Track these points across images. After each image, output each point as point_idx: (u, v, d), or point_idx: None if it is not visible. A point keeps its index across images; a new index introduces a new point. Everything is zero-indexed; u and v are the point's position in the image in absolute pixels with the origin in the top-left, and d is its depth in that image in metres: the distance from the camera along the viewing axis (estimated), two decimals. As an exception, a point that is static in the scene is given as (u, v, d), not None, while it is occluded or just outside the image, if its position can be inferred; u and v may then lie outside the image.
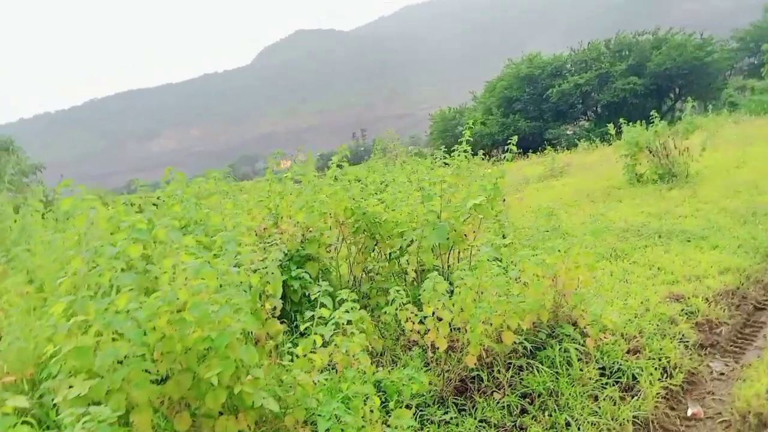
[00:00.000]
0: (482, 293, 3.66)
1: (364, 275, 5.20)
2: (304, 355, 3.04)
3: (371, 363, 4.11)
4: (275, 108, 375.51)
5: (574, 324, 4.18)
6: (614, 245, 6.76)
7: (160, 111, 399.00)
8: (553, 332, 4.13)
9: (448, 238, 4.76)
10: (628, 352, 4.11)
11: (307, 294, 4.38)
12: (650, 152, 11.70)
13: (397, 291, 3.74)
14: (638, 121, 12.62)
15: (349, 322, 3.32)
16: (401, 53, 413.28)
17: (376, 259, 5.30)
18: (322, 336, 3.15)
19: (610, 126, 14.49)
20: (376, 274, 5.23)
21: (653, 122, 12.48)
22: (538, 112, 62.10)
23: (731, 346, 4.55)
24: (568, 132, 59.59)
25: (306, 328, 3.38)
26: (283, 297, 4.41)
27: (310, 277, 4.46)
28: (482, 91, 72.21)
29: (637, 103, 57.63)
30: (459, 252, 5.46)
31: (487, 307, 3.48)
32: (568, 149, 34.15)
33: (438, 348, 3.49)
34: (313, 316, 3.21)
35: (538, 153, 35.54)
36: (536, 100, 63.05)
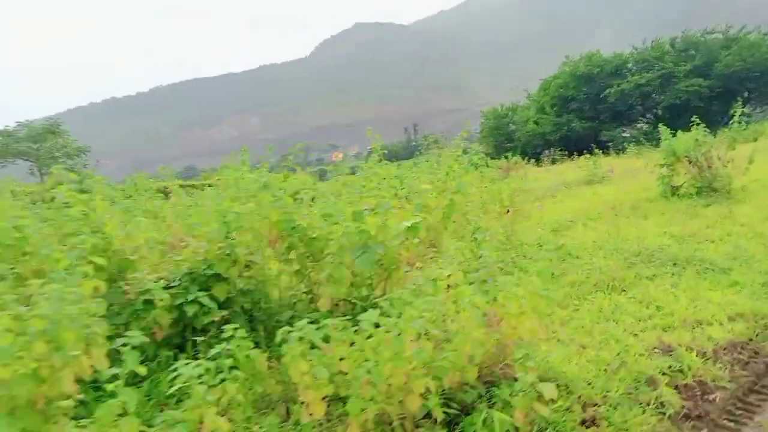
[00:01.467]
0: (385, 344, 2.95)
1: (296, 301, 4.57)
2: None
3: (261, 412, 3.49)
4: (332, 100, 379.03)
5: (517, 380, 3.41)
6: (616, 273, 5.85)
7: (222, 99, 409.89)
8: (489, 391, 3.37)
9: (382, 264, 4.02)
10: (582, 423, 3.31)
11: (214, 321, 3.79)
12: (689, 162, 10.50)
13: (289, 331, 3.07)
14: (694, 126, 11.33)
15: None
16: (459, 48, 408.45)
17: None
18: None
19: (663, 128, 13.18)
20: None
21: (731, 124, 11.24)
22: (594, 113, 59.64)
23: (725, 418, 3.65)
24: (625, 134, 56.86)
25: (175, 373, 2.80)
26: (180, 323, 3.85)
27: (216, 300, 3.86)
28: (536, 89, 70.06)
29: (701, 107, 54.27)
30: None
31: (377, 369, 2.76)
32: (617, 153, 32.40)
33: (312, 414, 2.80)
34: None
35: (594, 155, 33.98)
36: (593, 100, 60.55)
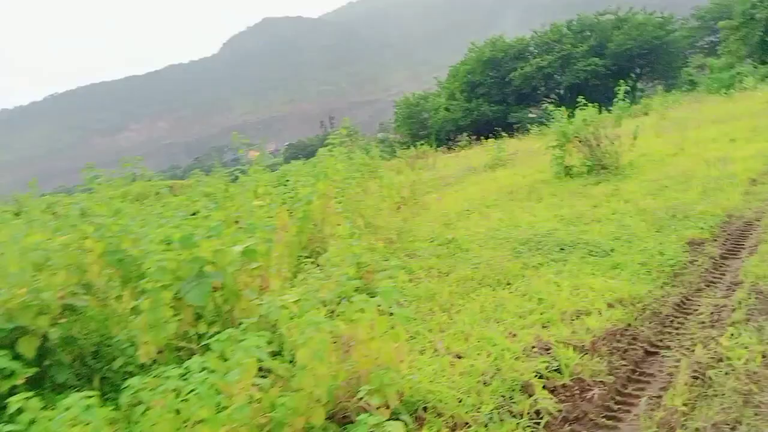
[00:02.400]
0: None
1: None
2: None
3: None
4: (244, 98, 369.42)
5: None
6: (503, 265, 5.65)
7: (126, 104, 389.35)
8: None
9: (222, 295, 3.49)
10: (450, 446, 2.98)
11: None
12: (580, 142, 10.66)
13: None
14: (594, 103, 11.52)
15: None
16: (370, 39, 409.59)
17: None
18: None
19: (561, 110, 13.32)
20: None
21: (615, 102, 11.45)
22: (501, 96, 61.30)
23: (604, 417, 3.45)
24: (531, 115, 58.85)
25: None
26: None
27: (21, 358, 3.22)
28: (446, 76, 71.21)
29: (599, 85, 57.10)
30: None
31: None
32: (522, 135, 33.30)
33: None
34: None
35: (499, 138, 34.66)
36: (499, 84, 62.20)
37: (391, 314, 3.06)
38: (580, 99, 11.36)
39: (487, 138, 33.91)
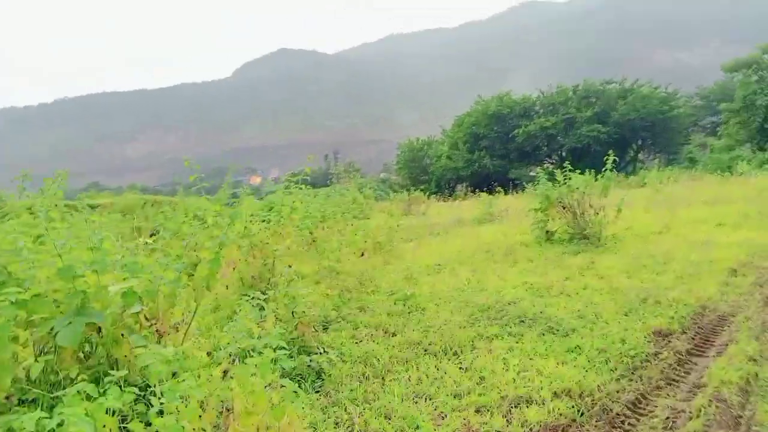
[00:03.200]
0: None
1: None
2: None
3: None
4: (253, 123, 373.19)
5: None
6: (455, 332, 5.24)
7: (136, 116, 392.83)
8: None
9: (101, 338, 3.05)
10: None
11: None
12: (563, 208, 10.37)
13: None
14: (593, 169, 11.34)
15: None
16: (383, 79, 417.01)
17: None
18: None
19: (558, 172, 13.07)
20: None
21: (606, 168, 11.27)
22: (504, 151, 61.84)
23: None
24: (532, 173, 59.21)
25: None
26: None
27: None
28: (451, 125, 72.03)
29: (600, 151, 57.53)
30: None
31: None
32: (517, 192, 33.22)
33: None
34: None
35: (494, 193, 34.56)
36: (503, 139, 62.85)
37: (282, 386, 2.65)
38: (570, 164, 11.17)
39: (483, 191, 33.91)
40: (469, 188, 47.36)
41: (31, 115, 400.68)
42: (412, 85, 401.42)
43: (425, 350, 4.88)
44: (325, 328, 5.48)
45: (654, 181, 21.46)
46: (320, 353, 4.51)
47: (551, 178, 10.71)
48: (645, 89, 57.48)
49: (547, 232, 10.64)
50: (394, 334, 5.26)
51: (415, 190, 31.84)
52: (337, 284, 7.12)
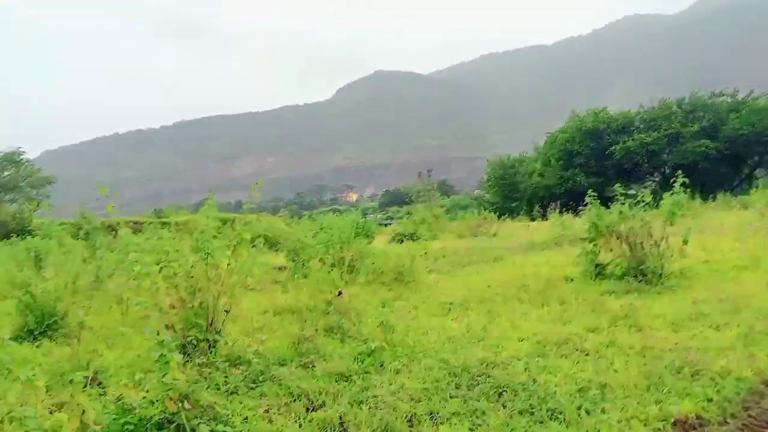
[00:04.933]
0: None
1: None
2: None
3: None
4: (349, 143, 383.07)
5: None
6: (409, 405, 4.06)
7: (242, 137, 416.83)
8: None
9: None
10: None
11: None
12: (617, 238, 8.71)
13: None
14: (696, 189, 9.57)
15: None
16: (477, 98, 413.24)
17: None
18: None
19: (646, 192, 11.18)
20: None
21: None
22: (600, 168, 58.29)
23: None
24: (631, 191, 55.08)
25: None
26: None
27: None
28: (544, 142, 69.43)
29: (710, 168, 52.72)
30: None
31: None
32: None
33: None
34: None
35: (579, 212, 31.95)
36: (599, 156, 59.35)
37: None
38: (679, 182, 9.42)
39: (576, 210, 31.69)
40: (562, 206, 44.77)
41: (153, 136, 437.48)
42: (507, 103, 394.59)
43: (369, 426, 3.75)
44: (252, 388, 4.49)
45: (760, 202, 18.43)
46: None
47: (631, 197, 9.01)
48: (762, 101, 51.82)
49: (597, 265, 9.00)
50: (316, 409, 4.16)
51: (489, 212, 30.16)
52: (306, 326, 6.15)
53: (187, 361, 4.79)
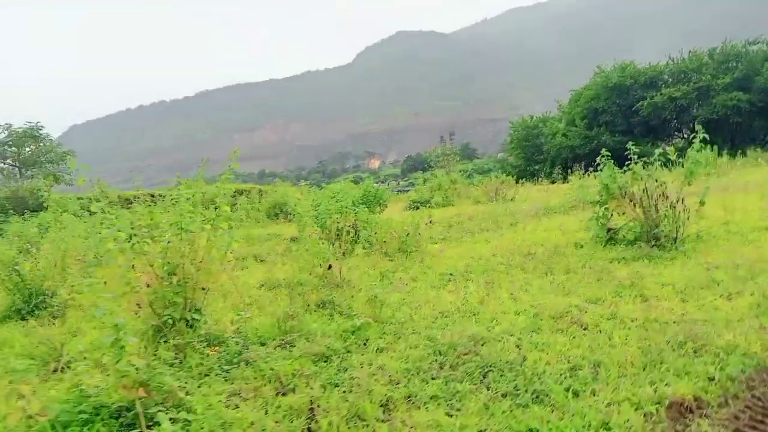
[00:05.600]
0: None
1: None
2: None
3: None
4: (371, 107, 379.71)
5: None
6: (370, 393, 3.85)
7: (264, 105, 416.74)
8: None
9: None
10: None
11: None
12: (630, 201, 8.25)
13: None
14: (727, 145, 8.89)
15: None
16: (499, 57, 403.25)
17: None
18: None
19: (663, 148, 10.61)
20: None
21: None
22: (626, 126, 56.58)
23: None
24: (658, 150, 53.48)
25: None
26: None
27: None
28: (568, 101, 67.31)
29: (741, 122, 50.66)
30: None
31: None
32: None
33: None
34: None
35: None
36: (625, 113, 57.54)
37: None
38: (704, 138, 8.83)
39: (597, 171, 30.81)
40: (586, 167, 43.68)
41: (177, 107, 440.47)
42: (531, 61, 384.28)
43: (308, 424, 3.54)
44: (227, 370, 4.32)
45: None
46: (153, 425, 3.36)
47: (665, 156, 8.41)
48: (801, 48, 49.20)
49: (609, 230, 8.57)
50: (294, 389, 3.97)
51: (507, 175, 29.51)
52: (293, 302, 5.96)
53: (165, 341, 4.64)
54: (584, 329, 4.92)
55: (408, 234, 8.92)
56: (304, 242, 6.68)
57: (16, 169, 35.30)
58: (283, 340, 4.87)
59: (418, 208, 22.67)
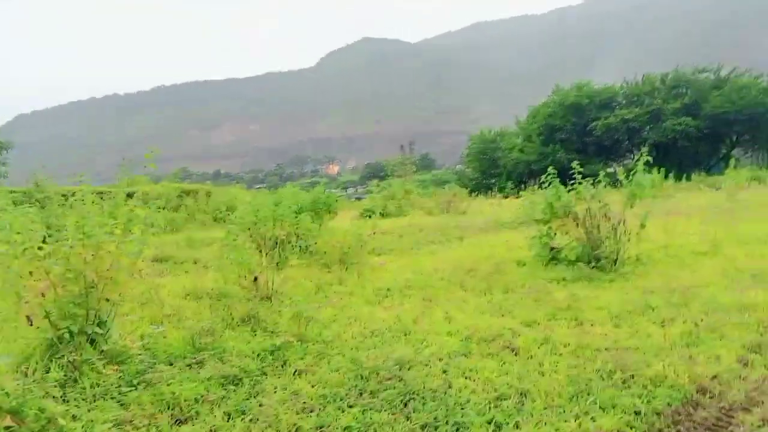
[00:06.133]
0: None
1: None
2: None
3: None
4: (333, 112, 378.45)
5: None
6: (279, 421, 3.54)
7: (223, 104, 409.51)
8: None
9: None
10: None
11: None
12: (573, 221, 8.21)
13: None
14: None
15: None
16: (464, 69, 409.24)
17: None
18: None
19: (614, 169, 10.67)
20: None
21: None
22: (580, 145, 58.03)
23: None
24: (610, 170, 54.97)
25: None
26: None
27: None
28: (526, 116, 68.54)
29: (688, 146, 52.63)
30: None
31: None
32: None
33: None
34: None
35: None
36: (580, 132, 59.02)
37: None
38: (653, 161, 8.92)
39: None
40: (541, 184, 44.30)
41: (131, 101, 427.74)
42: (494, 75, 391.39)
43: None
44: (123, 393, 3.91)
45: (730, 183, 18.03)
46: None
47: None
48: (744, 79, 51.51)
49: (552, 249, 8.51)
50: (192, 419, 3.60)
51: (463, 187, 29.60)
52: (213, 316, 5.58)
53: (57, 358, 4.20)
54: (515, 354, 4.74)
55: (349, 246, 8.63)
56: (230, 250, 6.29)
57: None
58: (194, 358, 4.49)
59: (370, 216, 22.41)
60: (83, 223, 4.31)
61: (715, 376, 4.14)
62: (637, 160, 8.56)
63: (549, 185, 8.70)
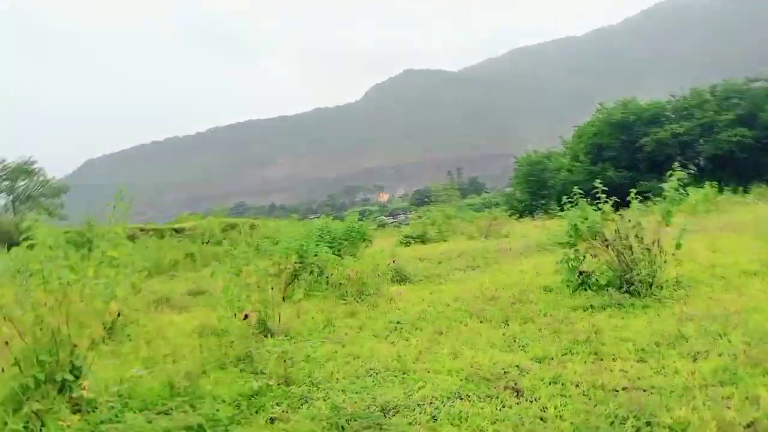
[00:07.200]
0: None
1: None
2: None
3: None
4: (381, 143, 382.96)
5: None
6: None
7: (275, 141, 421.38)
8: None
9: None
10: None
11: None
12: (604, 243, 7.58)
13: None
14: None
15: None
16: (507, 94, 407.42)
17: None
18: None
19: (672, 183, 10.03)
20: None
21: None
22: (631, 162, 56.12)
23: None
24: (663, 184, 52.69)
25: None
26: None
27: None
28: (571, 137, 67.31)
29: (746, 158, 49.95)
30: None
31: None
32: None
33: None
34: None
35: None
36: (629, 149, 57.15)
37: None
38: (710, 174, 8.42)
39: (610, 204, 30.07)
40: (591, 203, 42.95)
41: (189, 143, 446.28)
42: (540, 98, 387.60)
43: None
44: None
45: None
46: None
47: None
48: (805, 86, 48.74)
49: (581, 273, 7.87)
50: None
51: (503, 211, 28.83)
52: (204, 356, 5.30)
53: (17, 409, 3.98)
54: (518, 396, 4.22)
55: (361, 277, 8.26)
56: (228, 286, 6.04)
57: (11, 203, 35.28)
58: (165, 405, 4.20)
59: (409, 243, 22.02)
60: (40, 267, 4.15)
61: (750, 424, 3.50)
62: (670, 175, 7.91)
63: (574, 205, 8.13)
